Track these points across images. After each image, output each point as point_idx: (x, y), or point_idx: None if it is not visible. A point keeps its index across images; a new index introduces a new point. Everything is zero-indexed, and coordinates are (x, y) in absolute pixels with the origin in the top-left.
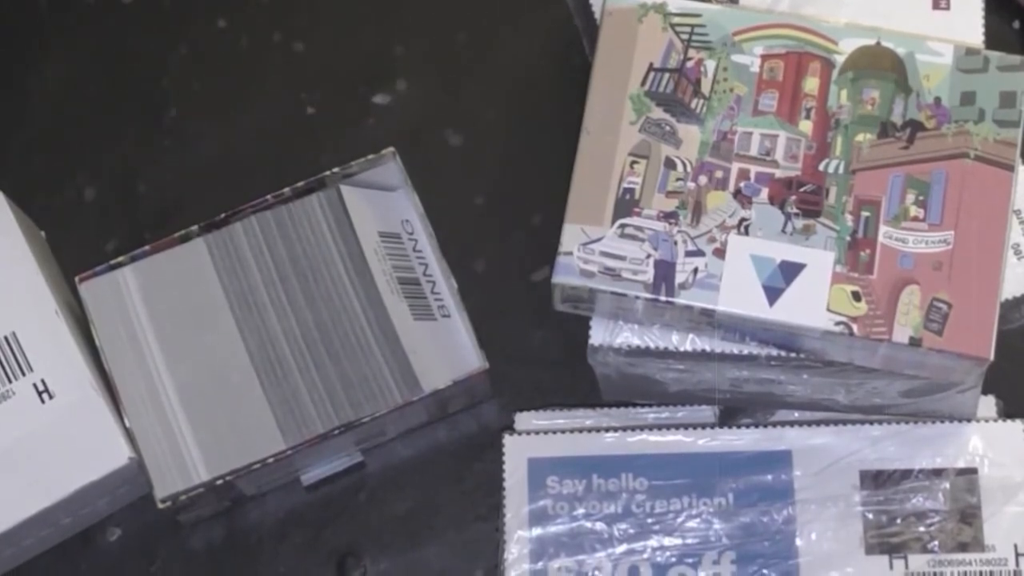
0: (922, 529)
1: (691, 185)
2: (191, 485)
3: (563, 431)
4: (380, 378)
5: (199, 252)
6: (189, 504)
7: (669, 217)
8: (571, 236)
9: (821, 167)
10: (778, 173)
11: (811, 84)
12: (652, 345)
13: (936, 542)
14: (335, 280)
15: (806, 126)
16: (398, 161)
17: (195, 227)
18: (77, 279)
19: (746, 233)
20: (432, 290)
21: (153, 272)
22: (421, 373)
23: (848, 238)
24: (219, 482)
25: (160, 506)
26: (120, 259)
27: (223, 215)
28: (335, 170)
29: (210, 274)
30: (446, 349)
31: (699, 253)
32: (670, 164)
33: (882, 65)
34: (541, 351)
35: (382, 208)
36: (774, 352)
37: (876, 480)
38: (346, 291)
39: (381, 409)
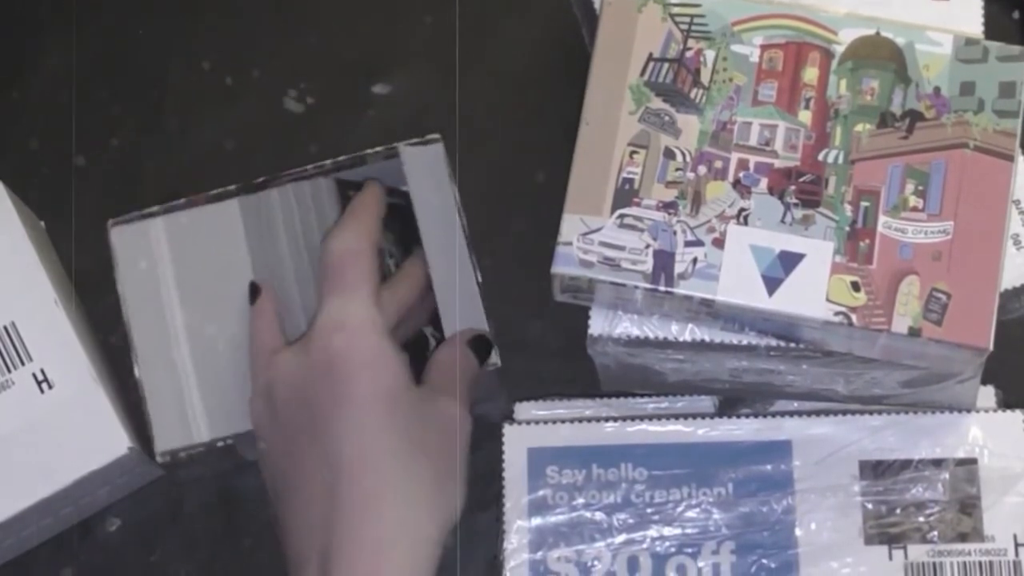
0: (921, 519)
1: (690, 175)
2: (192, 443)
3: (563, 421)
4: None
5: (231, 213)
6: (187, 462)
7: (668, 207)
8: (570, 226)
9: (820, 157)
10: (777, 163)
11: (810, 74)
12: (651, 335)
13: (935, 532)
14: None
15: (805, 116)
16: (442, 148)
17: (232, 187)
18: (110, 223)
19: (745, 223)
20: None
21: (184, 226)
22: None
23: (847, 228)
24: (220, 444)
25: (159, 459)
26: (153, 209)
27: (262, 179)
28: (378, 149)
29: (239, 236)
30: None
31: (698, 243)
32: (669, 154)
33: (881, 55)
34: (540, 341)
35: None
36: (773, 342)
37: (876, 470)
38: None
39: None
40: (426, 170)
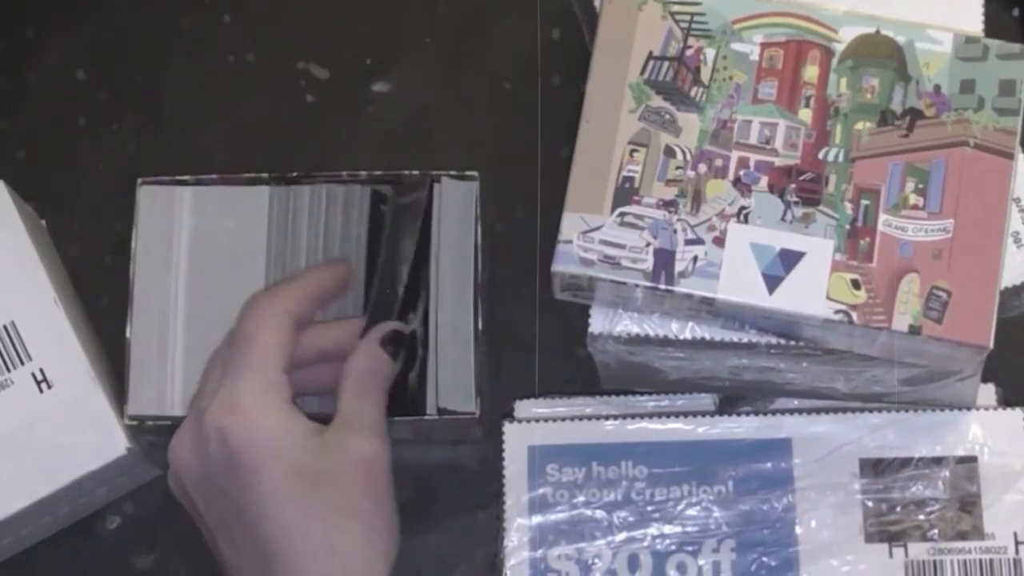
0: (922, 517)
1: (691, 173)
2: (162, 415)
3: (563, 419)
4: None
5: (260, 199)
6: (153, 430)
7: (669, 205)
8: (571, 224)
9: (820, 155)
10: (777, 161)
11: (811, 72)
12: (652, 333)
13: (936, 530)
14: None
15: (805, 114)
16: (477, 187)
17: (265, 174)
18: (139, 181)
19: (745, 221)
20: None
21: (210, 201)
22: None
23: (848, 226)
24: None
25: (126, 422)
26: (185, 177)
27: (296, 173)
28: (415, 172)
29: (261, 224)
30: (445, 379)
31: (699, 241)
32: (670, 152)
33: (881, 53)
34: (541, 339)
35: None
36: (774, 340)
37: (876, 468)
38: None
39: None
40: (456, 205)
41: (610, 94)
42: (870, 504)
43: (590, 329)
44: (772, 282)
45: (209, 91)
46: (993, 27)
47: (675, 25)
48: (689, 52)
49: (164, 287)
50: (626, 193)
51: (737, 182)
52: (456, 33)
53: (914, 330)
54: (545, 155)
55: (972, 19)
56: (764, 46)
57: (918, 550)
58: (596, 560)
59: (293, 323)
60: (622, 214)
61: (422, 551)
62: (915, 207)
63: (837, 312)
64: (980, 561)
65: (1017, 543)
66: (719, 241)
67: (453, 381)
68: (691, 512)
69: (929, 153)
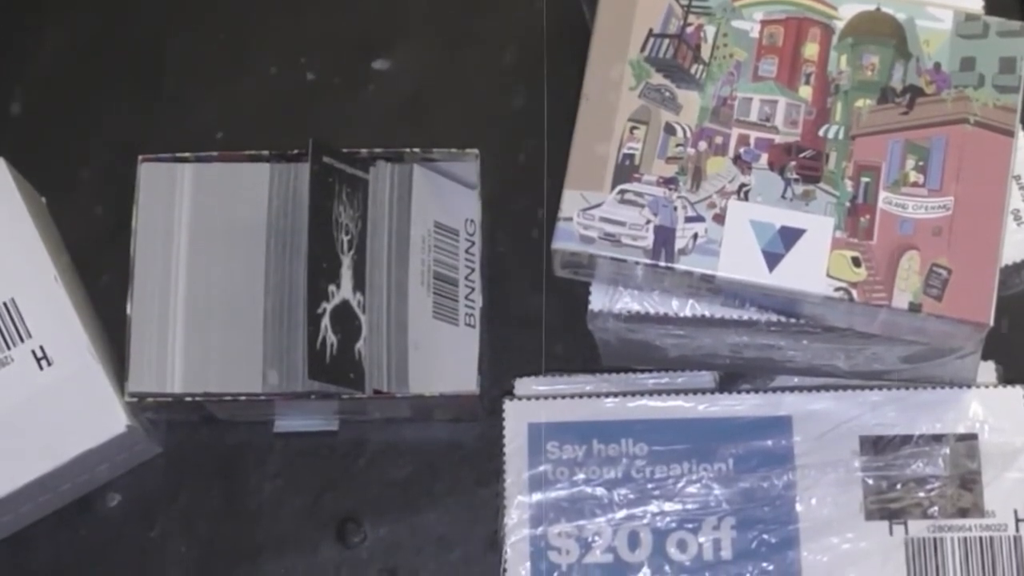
0: (922, 495)
1: (691, 151)
2: (162, 391)
3: (563, 396)
4: (374, 360)
5: (261, 176)
6: (153, 407)
7: (669, 183)
8: (571, 202)
9: (821, 133)
10: (778, 139)
11: (811, 50)
12: (652, 311)
13: (936, 508)
14: (374, 252)
15: (806, 92)
16: (478, 165)
17: (266, 152)
18: (140, 158)
19: (746, 199)
20: (467, 296)
21: (211, 178)
22: (414, 372)
23: (848, 204)
24: (188, 399)
25: (127, 399)
26: (185, 155)
27: (296, 151)
28: (415, 150)
29: (262, 201)
30: (451, 359)
31: (699, 219)
32: (670, 130)
33: (882, 31)
34: (541, 316)
35: (450, 201)
36: (774, 318)
37: (876, 446)
38: (380, 266)
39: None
40: (430, 189)
41: (610, 71)
42: (870, 482)
43: (590, 307)
44: (772, 259)
45: (210, 68)
46: (993, 5)
47: (675, 2)
48: (689, 29)
49: (164, 264)
50: (626, 170)
51: (737, 159)
52: (456, 10)
53: (914, 307)
54: (545, 132)
55: None
56: (764, 23)
57: (918, 527)
58: (596, 537)
59: None
60: (622, 191)
61: (422, 528)
62: (915, 184)
63: (837, 289)
64: (980, 539)
65: (1017, 520)
66: (719, 218)
67: (459, 359)
68: (691, 490)
69: (929, 130)
